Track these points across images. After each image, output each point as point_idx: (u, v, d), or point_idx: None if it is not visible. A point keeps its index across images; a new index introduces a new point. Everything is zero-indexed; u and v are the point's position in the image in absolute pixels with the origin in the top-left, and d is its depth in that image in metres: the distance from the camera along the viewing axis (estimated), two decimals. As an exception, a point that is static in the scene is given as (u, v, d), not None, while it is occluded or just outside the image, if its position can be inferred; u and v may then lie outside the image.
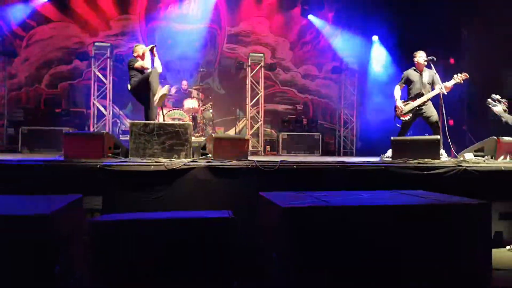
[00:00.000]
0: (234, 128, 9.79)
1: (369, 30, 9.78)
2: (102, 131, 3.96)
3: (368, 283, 2.10)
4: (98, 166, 3.39)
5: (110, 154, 4.04)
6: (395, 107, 5.75)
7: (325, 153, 9.37)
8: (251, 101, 9.31)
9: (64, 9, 9.25)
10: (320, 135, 9.16)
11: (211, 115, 9.09)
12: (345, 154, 9.80)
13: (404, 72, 5.94)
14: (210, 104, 9.12)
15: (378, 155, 5.77)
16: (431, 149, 4.58)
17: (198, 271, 2.05)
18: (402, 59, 8.52)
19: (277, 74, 10.35)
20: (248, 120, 9.43)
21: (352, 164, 4.03)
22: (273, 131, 10.24)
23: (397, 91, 5.84)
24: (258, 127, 9.39)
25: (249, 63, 9.27)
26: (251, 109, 9.40)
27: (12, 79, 9.02)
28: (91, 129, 8.57)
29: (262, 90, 9.33)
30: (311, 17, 10.11)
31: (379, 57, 9.96)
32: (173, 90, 8.73)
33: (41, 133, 7.85)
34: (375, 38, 9.93)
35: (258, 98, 9.32)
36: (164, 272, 2.08)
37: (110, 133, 4.45)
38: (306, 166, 3.92)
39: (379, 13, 9.21)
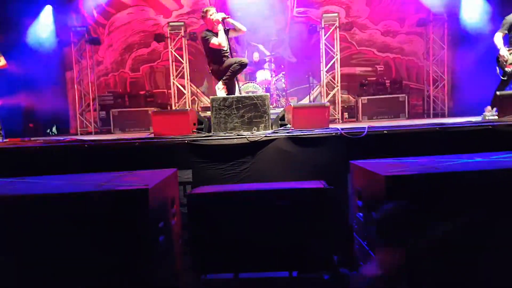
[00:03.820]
0: (308, 97, 9.48)
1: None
2: (187, 108, 4.09)
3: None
4: (186, 141, 3.49)
5: (195, 130, 4.15)
6: (498, 56, 5.00)
7: (413, 116, 8.62)
8: (326, 66, 8.87)
9: (138, -8, 9.56)
10: (406, 97, 8.37)
11: (283, 85, 8.92)
12: (436, 116, 8.87)
13: (506, 18, 5.12)
14: (283, 74, 8.92)
15: (475, 115, 5.14)
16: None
17: (299, 244, 2.01)
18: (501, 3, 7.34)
19: (353, 35, 9.64)
20: (323, 86, 9.05)
21: (453, 125, 3.59)
22: (350, 96, 9.71)
23: (499, 38, 5.05)
24: (334, 94, 8.97)
25: (323, 25, 8.77)
26: (326, 75, 8.99)
27: (99, 66, 9.80)
28: (173, 108, 8.99)
29: (338, 52, 8.81)
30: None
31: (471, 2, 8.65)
32: (256, 56, 8.79)
33: (129, 114, 8.57)
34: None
35: (334, 62, 8.84)
36: (260, 241, 2.07)
37: (194, 110, 4.57)
38: (398, 131, 3.59)
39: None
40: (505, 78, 4.97)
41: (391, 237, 1.94)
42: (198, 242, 2.10)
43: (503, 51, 4.92)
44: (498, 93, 4.18)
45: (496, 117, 4.14)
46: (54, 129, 9.24)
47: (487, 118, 4.60)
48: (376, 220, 2.08)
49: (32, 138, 4.46)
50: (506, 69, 4.93)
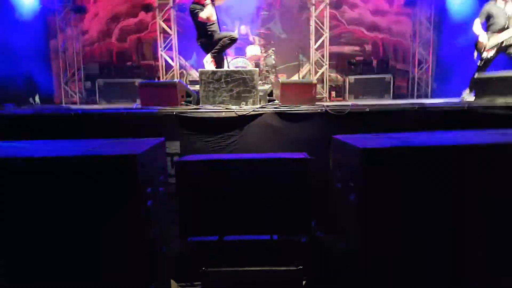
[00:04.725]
0: (297, 75, 9.50)
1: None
2: (175, 80, 4.09)
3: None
4: (174, 113, 3.55)
5: (183, 102, 4.19)
6: (477, 41, 5.15)
7: (397, 96, 8.74)
8: (315, 44, 8.88)
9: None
10: (391, 77, 8.48)
11: (273, 62, 8.90)
12: (419, 97, 9.06)
13: (484, 6, 5.24)
14: (273, 50, 8.89)
15: (458, 98, 5.30)
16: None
17: (280, 210, 2.15)
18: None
19: (343, 13, 9.63)
20: (312, 65, 9.08)
21: (431, 105, 3.75)
22: (338, 75, 9.77)
23: (478, 25, 5.21)
24: (322, 72, 9.02)
25: (313, 2, 8.72)
26: (315, 53, 9.01)
27: (85, 35, 9.55)
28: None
29: (327, 30, 8.81)
30: None
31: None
32: (243, 29, 8.66)
33: (115, 85, 8.43)
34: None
35: (323, 40, 8.85)
36: (243, 206, 2.20)
37: (182, 82, 4.59)
38: (379, 108, 3.73)
39: None
40: (482, 64, 5.14)
41: (366, 204, 2.09)
42: (185, 206, 2.22)
43: (483, 37, 5.06)
44: (475, 76, 4.33)
45: (473, 99, 4.31)
46: (37, 98, 9.02)
47: (465, 99, 4.77)
48: (353, 189, 2.23)
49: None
50: (484, 54, 5.09)
